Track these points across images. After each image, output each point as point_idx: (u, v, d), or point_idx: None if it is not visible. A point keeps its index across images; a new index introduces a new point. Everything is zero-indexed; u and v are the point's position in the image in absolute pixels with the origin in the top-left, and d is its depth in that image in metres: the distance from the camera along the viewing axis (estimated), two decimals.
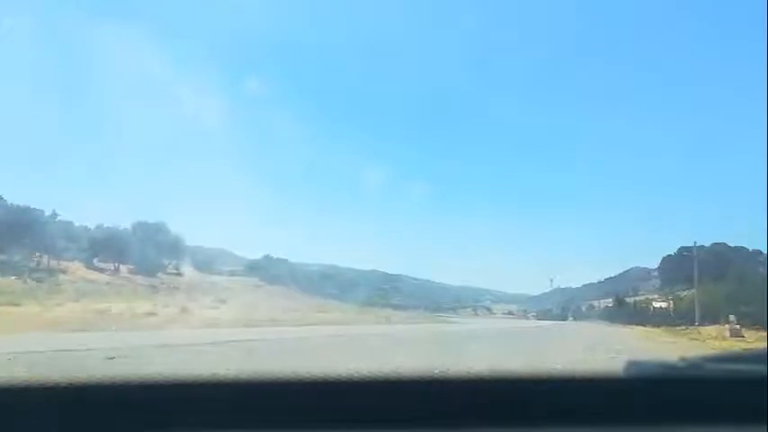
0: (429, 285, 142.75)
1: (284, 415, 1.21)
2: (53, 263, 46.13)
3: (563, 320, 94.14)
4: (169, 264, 61.72)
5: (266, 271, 70.31)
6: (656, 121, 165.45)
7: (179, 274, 59.86)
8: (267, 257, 74.28)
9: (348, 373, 1.22)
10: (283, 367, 1.25)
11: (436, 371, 1.26)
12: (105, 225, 57.05)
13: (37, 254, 44.08)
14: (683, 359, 1.32)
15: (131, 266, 53.72)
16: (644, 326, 58.25)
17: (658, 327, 55.02)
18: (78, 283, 38.87)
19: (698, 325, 50.11)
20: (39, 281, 35.99)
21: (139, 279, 48.65)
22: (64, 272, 43.71)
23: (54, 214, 54.00)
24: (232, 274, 72.07)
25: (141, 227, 57.98)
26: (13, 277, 35.13)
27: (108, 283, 41.29)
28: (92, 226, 57.55)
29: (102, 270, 50.28)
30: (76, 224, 57.55)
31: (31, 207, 52.69)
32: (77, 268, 47.57)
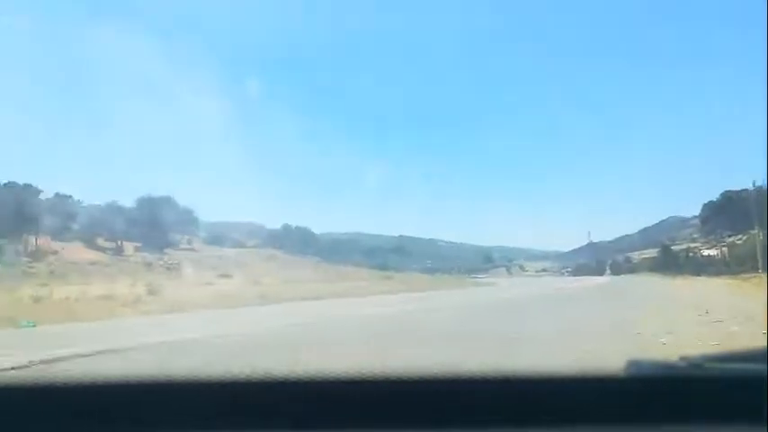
0: (460, 247, 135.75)
1: (284, 415, 1.16)
2: (46, 243, 40.74)
3: (599, 275, 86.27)
4: (182, 239, 56.40)
5: (285, 241, 64.44)
6: (691, 65, 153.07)
7: (192, 250, 54.45)
8: (286, 227, 68.33)
9: (348, 372, 1.19)
10: None
11: (436, 370, 1.20)
12: (109, 203, 51.73)
13: (26, 235, 38.60)
14: (683, 358, 1.27)
15: (138, 244, 48.34)
16: (698, 276, 50.77)
17: (717, 276, 47.59)
18: (54, 264, 33.19)
19: (761, 272, 42.92)
20: (6, 265, 30.33)
21: (140, 257, 42.99)
22: (54, 253, 38.21)
23: (55, 194, 48.94)
24: (255, 246, 66.58)
25: (146, 202, 52.50)
26: None
27: (93, 263, 35.60)
28: (96, 204, 52.21)
29: (103, 249, 44.87)
30: (78, 203, 52.17)
31: (30, 186, 47.61)
32: (75, 249, 42.18)
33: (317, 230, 74.27)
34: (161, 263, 41.15)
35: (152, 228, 49.30)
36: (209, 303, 20.59)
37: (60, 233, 45.47)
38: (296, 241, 66.85)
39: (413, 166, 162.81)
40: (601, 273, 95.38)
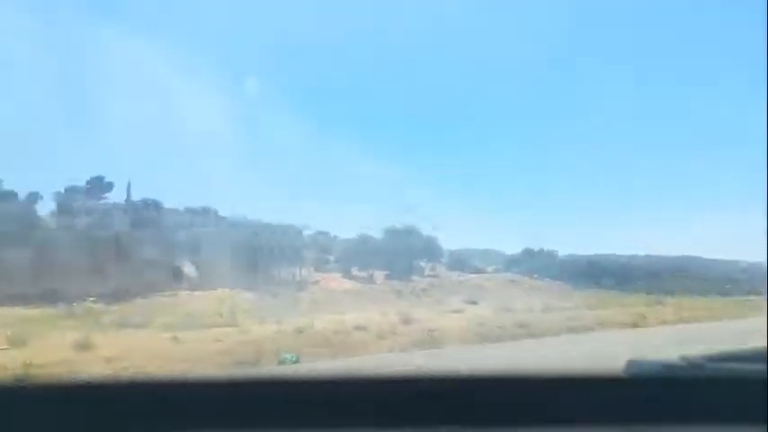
0: (726, 266, 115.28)
1: (284, 415, 1.14)
2: (308, 274, 43.40)
3: None
4: (426, 266, 56.40)
5: (525, 265, 60.45)
6: None
7: (436, 276, 53.89)
8: (527, 250, 64.18)
9: (349, 373, 1.19)
10: None
11: (437, 371, 1.20)
12: (360, 234, 54.02)
13: (291, 267, 41.49)
14: (683, 359, 1.26)
15: (387, 272, 49.27)
16: None
17: None
18: (316, 294, 34.36)
19: None
20: (275, 296, 32.09)
21: (389, 285, 43.28)
22: (315, 283, 40.21)
23: (316, 231, 52.78)
24: (495, 271, 63.92)
25: (393, 232, 53.67)
26: (251, 294, 31.71)
27: (347, 292, 36.24)
28: (347, 236, 55.03)
29: (356, 278, 46.42)
30: (334, 237, 55.63)
31: (292, 226, 52.03)
32: (333, 278, 44.21)
33: (560, 253, 68.47)
34: (409, 290, 40.68)
35: (398, 256, 50.01)
36: (467, 336, 18.12)
37: (320, 265, 48.61)
38: (537, 265, 62.37)
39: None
40: None
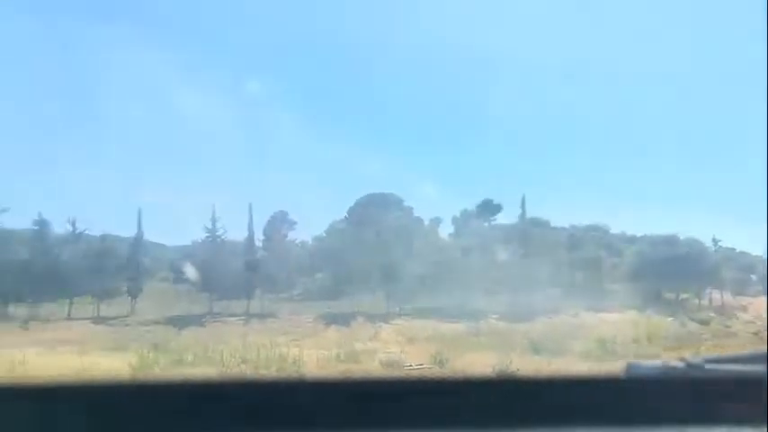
0: None
1: (285, 416, 1.16)
2: (729, 299, 35.07)
3: None
4: None
5: None
6: None
7: None
8: None
9: (347, 374, 1.32)
10: None
11: (437, 371, 1.58)
12: None
13: (700, 288, 34.18)
14: (682, 360, 1.26)
15: None
16: None
17: None
18: (750, 324, 26.62)
19: None
20: (703, 323, 26.02)
21: None
22: (743, 308, 32.02)
23: (718, 242, 43.00)
24: None
25: None
26: (666, 319, 26.41)
27: None
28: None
29: None
30: (738, 250, 44.47)
31: (691, 236, 43.63)
32: (760, 304, 34.75)
33: None
34: None
35: None
36: None
37: (739, 287, 39.22)
38: None
39: None
40: None
